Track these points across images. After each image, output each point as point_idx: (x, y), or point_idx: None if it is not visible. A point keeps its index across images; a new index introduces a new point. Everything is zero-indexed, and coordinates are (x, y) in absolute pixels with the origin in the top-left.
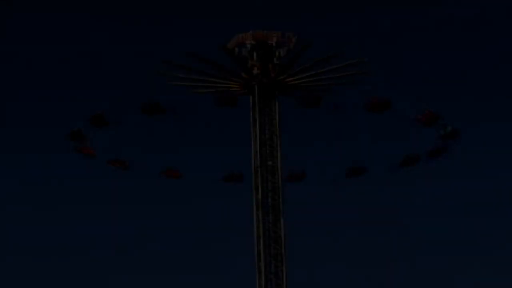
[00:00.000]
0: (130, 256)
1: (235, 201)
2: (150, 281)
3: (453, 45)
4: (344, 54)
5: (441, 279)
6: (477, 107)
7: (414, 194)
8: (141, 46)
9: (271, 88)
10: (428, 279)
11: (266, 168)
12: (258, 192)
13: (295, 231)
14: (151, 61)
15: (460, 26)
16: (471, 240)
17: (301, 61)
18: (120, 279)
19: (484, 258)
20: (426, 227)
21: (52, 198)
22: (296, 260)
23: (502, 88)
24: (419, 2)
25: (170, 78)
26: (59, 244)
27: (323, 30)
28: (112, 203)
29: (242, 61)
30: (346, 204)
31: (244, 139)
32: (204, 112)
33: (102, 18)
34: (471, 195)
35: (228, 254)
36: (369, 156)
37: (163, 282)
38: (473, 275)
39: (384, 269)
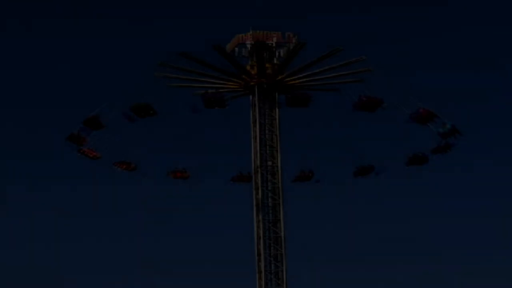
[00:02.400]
0: (129, 255)
1: (235, 201)
2: (150, 281)
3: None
4: (343, 53)
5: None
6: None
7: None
8: (139, 48)
9: (271, 88)
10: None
11: (266, 169)
12: (258, 192)
13: (295, 231)
14: (150, 62)
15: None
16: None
17: (301, 61)
18: (121, 278)
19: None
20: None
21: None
22: (296, 260)
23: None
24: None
25: (169, 79)
26: None
27: (323, 30)
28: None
29: (242, 61)
30: (348, 203)
31: (244, 139)
32: (203, 112)
33: (104, 18)
34: None
35: (228, 254)
36: (370, 156)
37: (163, 282)
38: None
39: (384, 268)
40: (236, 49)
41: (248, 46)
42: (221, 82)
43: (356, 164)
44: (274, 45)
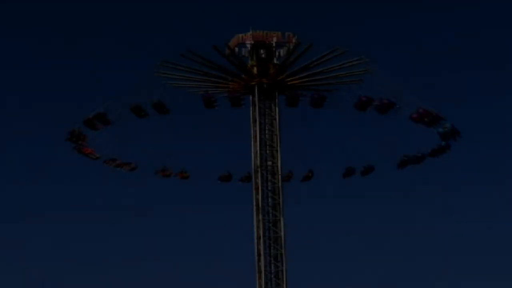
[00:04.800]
0: (130, 254)
1: (235, 201)
2: (150, 281)
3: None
4: (345, 53)
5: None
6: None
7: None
8: (139, 47)
9: (271, 88)
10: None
11: (266, 169)
12: (258, 192)
13: (295, 231)
14: (150, 61)
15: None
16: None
17: (301, 61)
18: (121, 279)
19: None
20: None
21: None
22: (296, 260)
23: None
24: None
25: (169, 78)
26: None
27: (323, 30)
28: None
29: (242, 61)
30: (347, 203)
31: (244, 139)
32: (203, 112)
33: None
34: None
35: (228, 254)
36: (369, 156)
37: (163, 282)
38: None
39: (384, 269)
40: (236, 49)
41: (248, 46)
42: (222, 81)
43: (356, 164)
44: (274, 45)
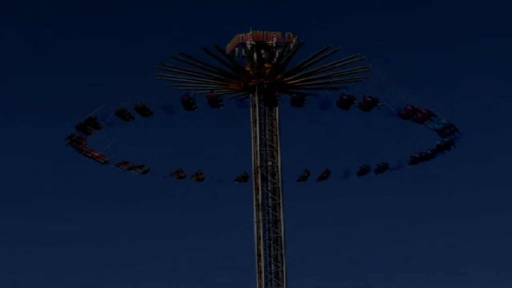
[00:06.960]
0: (130, 254)
1: (235, 201)
2: (149, 280)
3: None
4: (336, 52)
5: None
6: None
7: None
8: (138, 48)
9: (271, 88)
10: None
11: (266, 169)
12: (258, 192)
13: (295, 231)
14: (149, 63)
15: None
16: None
17: (301, 61)
18: (120, 278)
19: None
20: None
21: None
22: (296, 260)
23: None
24: None
25: (169, 81)
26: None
27: (324, 30)
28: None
29: (236, 62)
30: (347, 203)
31: (244, 139)
32: (204, 112)
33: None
34: None
35: (228, 253)
36: (368, 155)
37: (163, 282)
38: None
39: (385, 269)
40: (236, 49)
41: (248, 46)
42: (221, 82)
43: (357, 164)
44: (274, 45)
